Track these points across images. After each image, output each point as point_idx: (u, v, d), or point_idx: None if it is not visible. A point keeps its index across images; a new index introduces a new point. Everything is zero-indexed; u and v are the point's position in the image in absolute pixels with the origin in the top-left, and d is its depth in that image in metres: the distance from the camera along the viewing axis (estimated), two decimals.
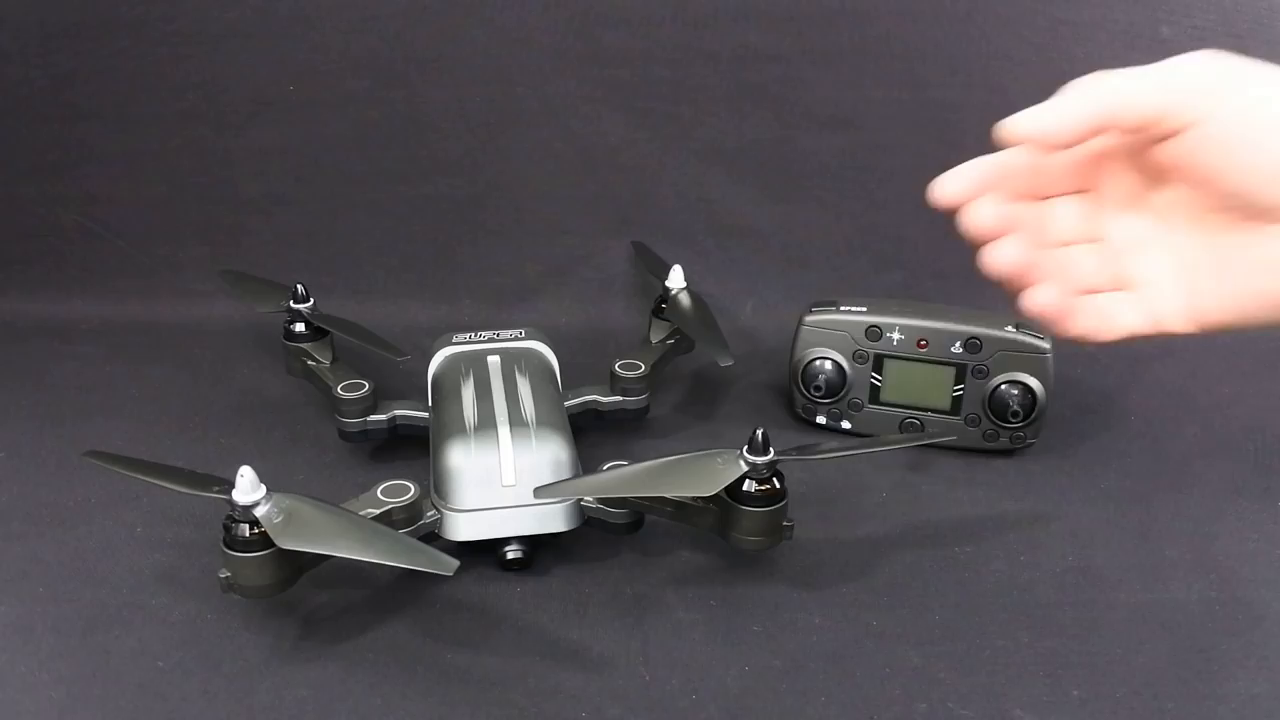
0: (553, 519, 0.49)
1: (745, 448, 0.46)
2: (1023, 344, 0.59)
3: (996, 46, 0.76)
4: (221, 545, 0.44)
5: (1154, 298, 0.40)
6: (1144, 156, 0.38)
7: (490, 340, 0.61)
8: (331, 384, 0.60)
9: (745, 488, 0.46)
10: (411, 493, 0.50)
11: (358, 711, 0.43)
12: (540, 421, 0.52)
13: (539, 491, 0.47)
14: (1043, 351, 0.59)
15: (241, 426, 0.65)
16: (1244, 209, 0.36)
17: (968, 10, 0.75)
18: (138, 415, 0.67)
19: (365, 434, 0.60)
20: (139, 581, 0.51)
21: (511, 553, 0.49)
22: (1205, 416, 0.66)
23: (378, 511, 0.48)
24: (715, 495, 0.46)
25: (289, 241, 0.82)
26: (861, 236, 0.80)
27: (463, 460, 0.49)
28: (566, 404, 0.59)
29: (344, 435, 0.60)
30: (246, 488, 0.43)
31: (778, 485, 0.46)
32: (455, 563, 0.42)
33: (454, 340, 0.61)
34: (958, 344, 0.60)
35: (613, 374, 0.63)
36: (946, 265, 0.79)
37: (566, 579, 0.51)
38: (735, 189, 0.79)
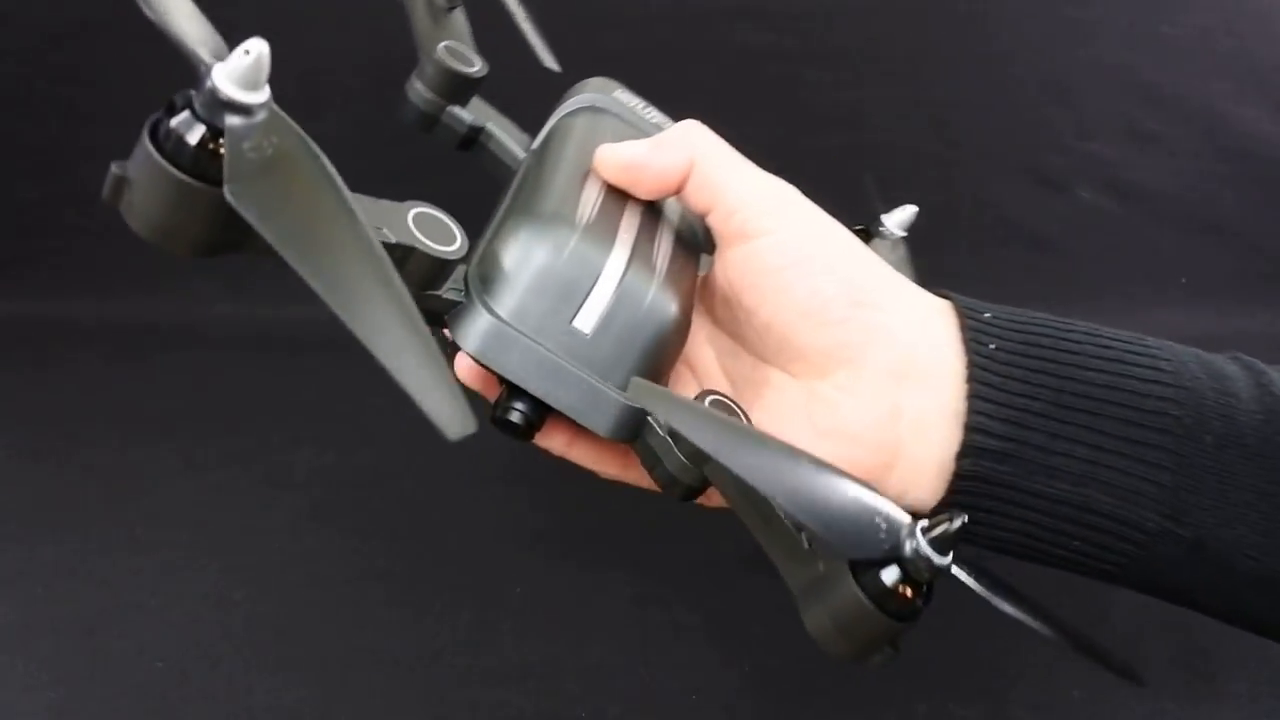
0: (603, 413, 0.32)
1: (924, 525, 0.28)
2: None
3: (996, 46, 0.76)
4: (144, 135, 0.25)
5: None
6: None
7: (646, 111, 0.44)
8: (429, 40, 0.43)
9: (885, 576, 0.28)
10: (457, 243, 0.31)
11: (357, 712, 0.43)
12: (669, 279, 0.33)
13: (635, 386, 0.31)
14: None
15: (242, 426, 0.65)
16: (774, 354, 0.34)
17: (968, 10, 0.75)
18: (137, 415, 0.67)
19: (427, 121, 0.43)
20: (139, 581, 0.51)
21: (515, 414, 0.32)
22: None
23: (395, 239, 0.30)
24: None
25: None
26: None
27: (547, 256, 0.32)
28: None
29: (403, 106, 0.43)
30: (243, 71, 0.25)
31: (920, 604, 0.30)
32: (471, 425, 0.24)
33: (615, 92, 0.43)
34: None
35: None
36: (947, 264, 0.79)
37: (567, 578, 0.51)
38: None
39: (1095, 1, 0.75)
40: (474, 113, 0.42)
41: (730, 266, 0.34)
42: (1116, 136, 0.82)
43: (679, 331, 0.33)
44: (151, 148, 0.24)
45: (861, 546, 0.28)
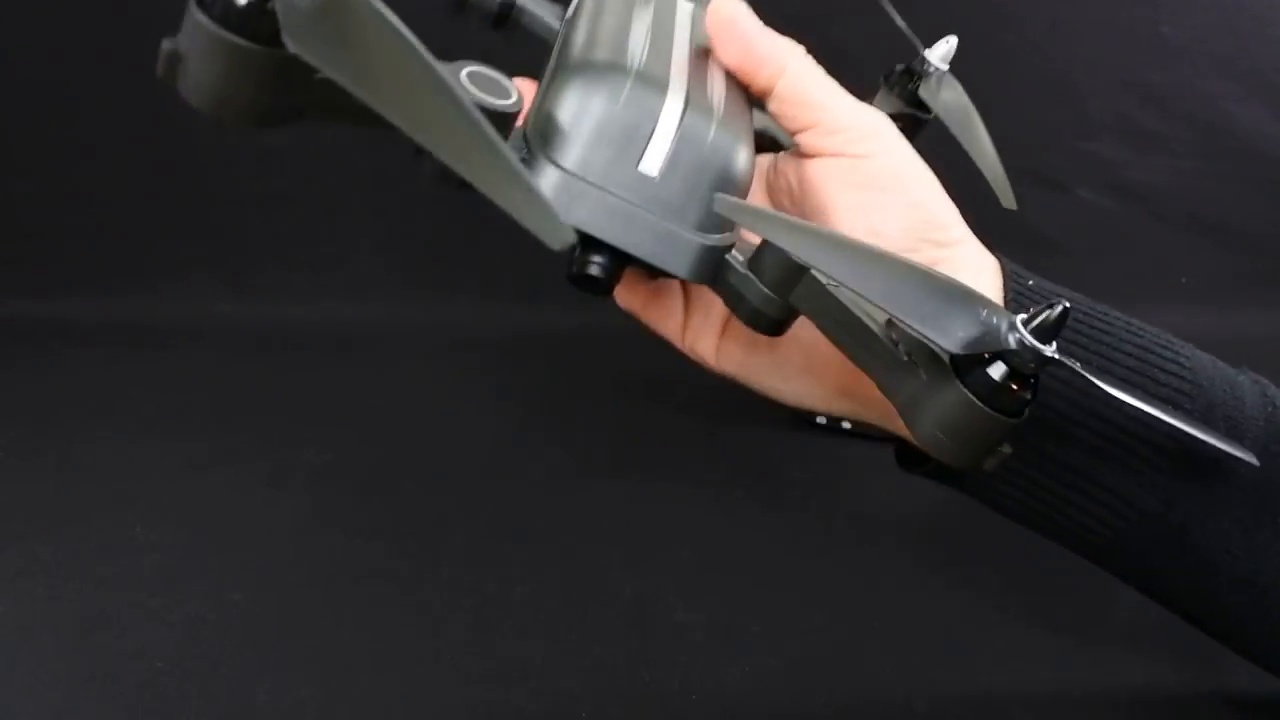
0: (680, 254, 0.31)
1: (1024, 318, 0.28)
2: None
3: (996, 46, 0.76)
4: (191, 3, 0.24)
5: (698, 318, 0.37)
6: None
7: None
8: None
9: (991, 372, 0.29)
10: (512, 98, 0.28)
11: (357, 712, 0.43)
12: (727, 117, 0.32)
13: (721, 201, 0.30)
14: None
15: (242, 427, 0.65)
16: None
17: (968, 10, 0.75)
18: (138, 415, 0.67)
19: (462, 3, 0.42)
20: (139, 581, 0.51)
21: (594, 267, 0.31)
22: None
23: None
24: (929, 351, 0.30)
25: (289, 241, 0.82)
26: None
27: (604, 102, 0.30)
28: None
29: None
30: None
31: (1028, 395, 0.29)
32: (571, 235, 0.22)
33: None
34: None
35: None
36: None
37: (567, 578, 0.51)
38: None
39: (1095, 1, 0.75)
40: None
41: (817, 175, 0.34)
42: (1116, 136, 0.82)
43: (745, 167, 0.32)
44: (201, 15, 0.24)
45: (968, 341, 0.28)
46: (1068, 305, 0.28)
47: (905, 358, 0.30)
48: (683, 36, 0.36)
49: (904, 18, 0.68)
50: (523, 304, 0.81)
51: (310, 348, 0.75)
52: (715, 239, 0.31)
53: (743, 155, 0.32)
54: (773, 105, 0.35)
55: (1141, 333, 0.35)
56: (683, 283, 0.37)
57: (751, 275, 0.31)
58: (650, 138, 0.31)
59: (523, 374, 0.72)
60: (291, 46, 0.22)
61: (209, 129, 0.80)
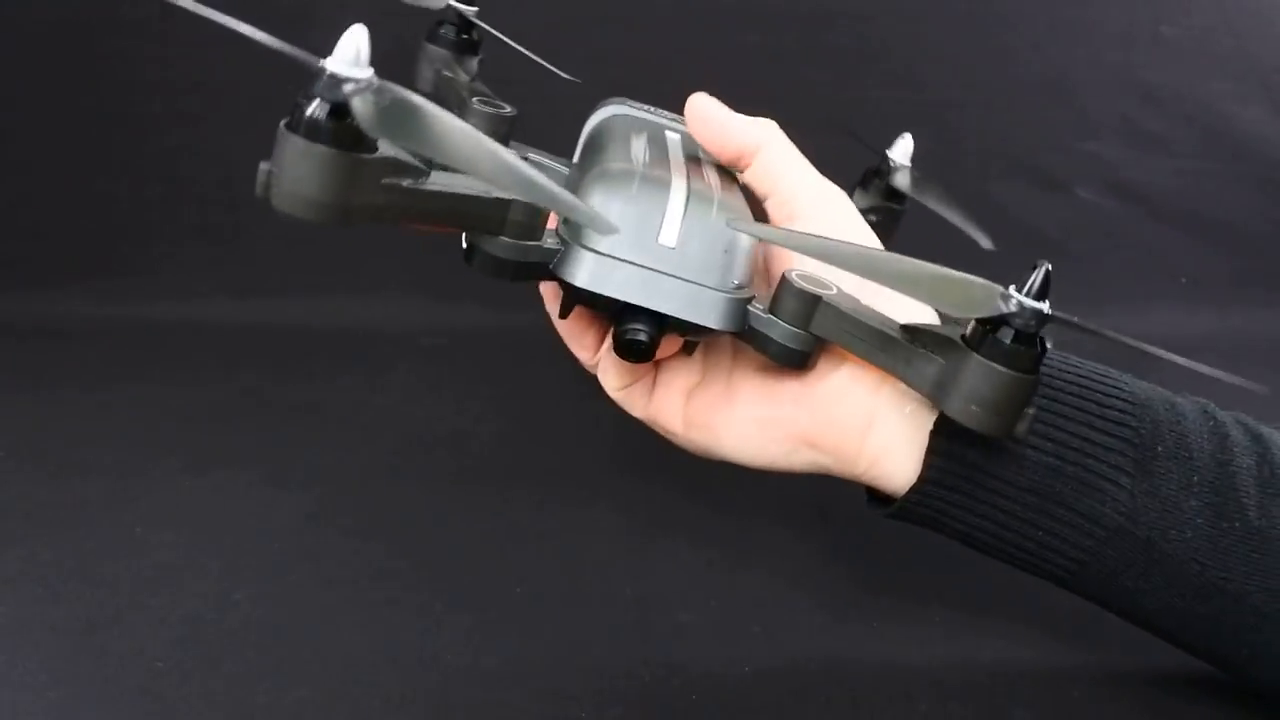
0: (708, 308, 0.35)
1: (1016, 286, 0.33)
2: None
3: (996, 46, 0.76)
4: (281, 131, 0.30)
5: (662, 389, 0.39)
6: None
7: (672, 120, 0.47)
8: (465, 96, 0.48)
9: (1000, 335, 0.33)
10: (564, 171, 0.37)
11: (357, 712, 0.43)
12: (725, 196, 0.38)
13: (733, 222, 0.35)
14: None
15: (243, 427, 0.65)
16: None
17: (967, 10, 0.75)
18: (138, 415, 0.67)
19: None
20: (139, 581, 0.51)
21: (633, 333, 0.35)
22: None
23: (493, 195, 0.34)
24: (943, 339, 0.33)
25: (289, 241, 0.82)
26: None
27: (621, 195, 0.36)
28: None
29: None
30: (350, 55, 0.29)
31: (1040, 349, 0.33)
32: (615, 225, 0.32)
33: (627, 102, 0.48)
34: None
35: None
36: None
37: (567, 578, 0.51)
38: None
39: (1095, 1, 0.75)
40: (515, 149, 0.47)
41: (767, 244, 0.38)
42: (1116, 136, 0.82)
43: (742, 221, 0.37)
44: (295, 135, 0.29)
45: (975, 306, 0.32)
46: (1049, 267, 0.32)
47: (923, 349, 0.34)
48: (676, 151, 0.42)
49: (905, 17, 0.68)
50: (523, 304, 0.81)
51: (310, 348, 0.75)
52: (737, 292, 0.35)
53: (744, 226, 0.36)
54: (746, 177, 0.39)
55: (1080, 365, 0.38)
56: (655, 362, 0.40)
57: (773, 317, 0.36)
58: (664, 215, 0.35)
59: (523, 374, 0.72)
60: (375, 133, 0.28)
61: (209, 129, 0.80)
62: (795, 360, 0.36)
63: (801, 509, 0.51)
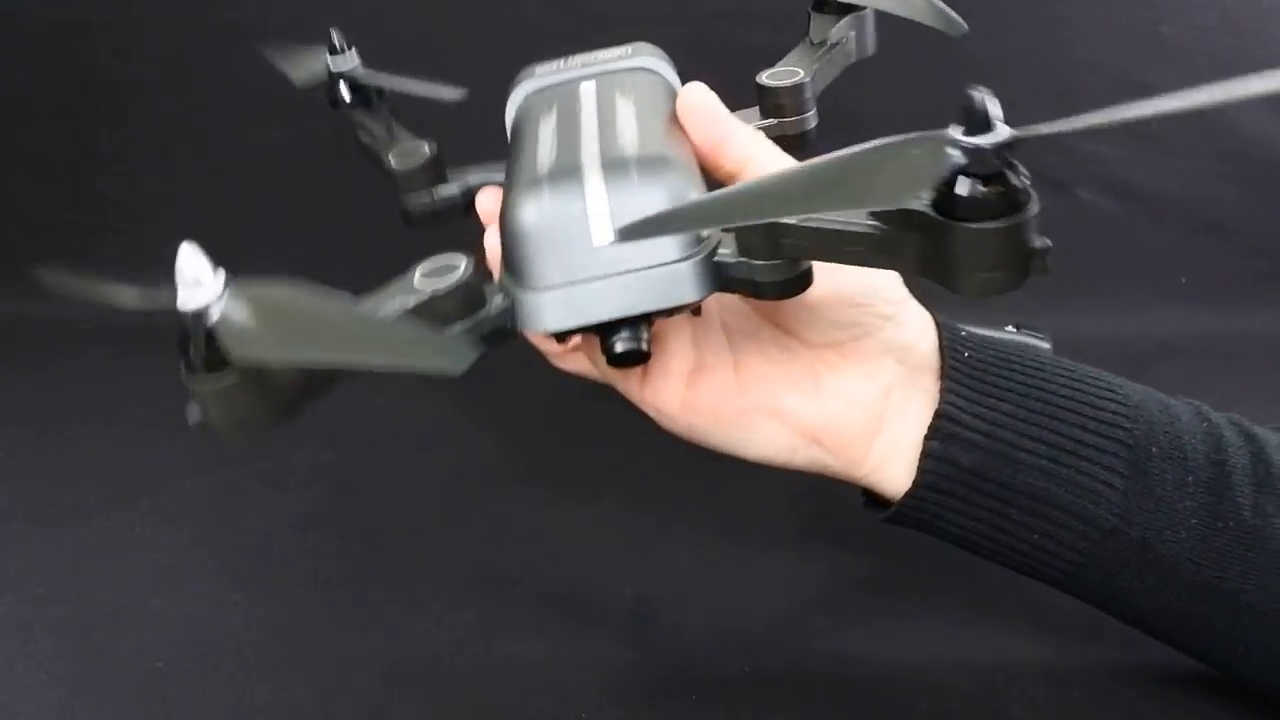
0: (676, 284, 0.32)
1: (952, 126, 0.28)
2: (1023, 344, 0.59)
3: (996, 46, 0.76)
4: (184, 371, 0.31)
5: (658, 370, 0.38)
6: None
7: (584, 66, 0.44)
8: (384, 155, 0.47)
9: (961, 191, 0.28)
10: (461, 270, 0.34)
11: (357, 712, 0.43)
12: (647, 157, 0.34)
13: (624, 231, 0.30)
14: (1042, 352, 0.59)
15: None
16: (790, 318, 0.37)
17: (968, 10, 0.75)
18: (138, 415, 0.67)
19: (434, 215, 0.46)
20: (139, 581, 0.51)
21: (621, 343, 0.33)
22: None
23: (415, 302, 0.34)
24: (913, 213, 0.29)
25: (289, 241, 0.82)
26: None
27: (534, 216, 0.33)
28: None
29: (409, 220, 0.46)
30: (191, 280, 0.30)
31: (1016, 183, 0.28)
32: (470, 356, 0.30)
33: (535, 73, 0.44)
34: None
35: (760, 88, 0.45)
36: None
37: (566, 578, 0.51)
38: None
39: (1094, 1, 0.75)
40: (456, 180, 0.46)
41: None
42: (1116, 136, 0.82)
43: (682, 169, 0.34)
44: (189, 374, 0.31)
45: (925, 174, 0.28)
46: (983, 91, 0.29)
47: (899, 230, 0.30)
48: (589, 114, 0.38)
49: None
50: None
51: None
52: (698, 250, 0.32)
53: (673, 160, 0.34)
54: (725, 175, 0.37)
55: (1073, 369, 0.37)
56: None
57: (745, 259, 0.32)
58: (588, 215, 0.32)
59: (524, 374, 0.72)
60: (237, 355, 0.28)
61: (209, 129, 0.80)
62: (792, 289, 0.33)
63: (802, 509, 0.51)
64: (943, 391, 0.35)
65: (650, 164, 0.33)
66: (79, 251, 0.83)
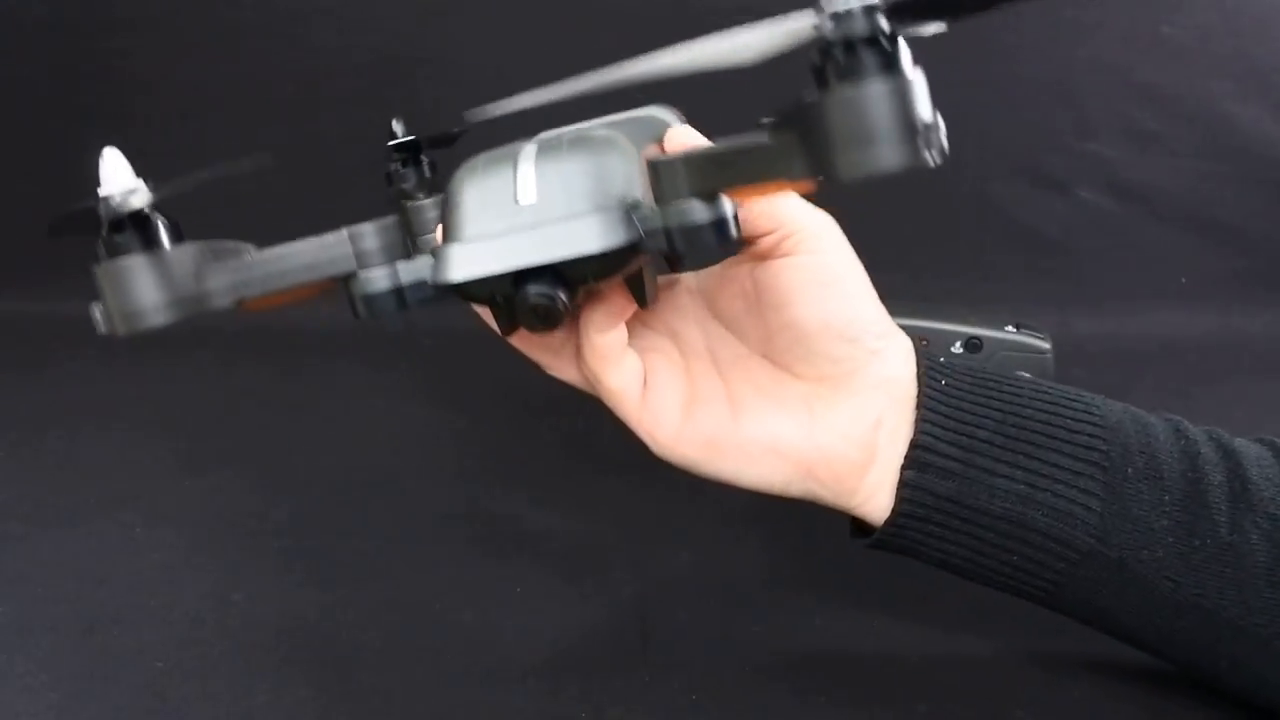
0: (587, 233, 0.31)
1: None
2: (1023, 344, 0.59)
3: (996, 46, 0.76)
4: (95, 269, 0.34)
5: (655, 394, 0.38)
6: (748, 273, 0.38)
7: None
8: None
9: (842, 53, 0.27)
10: (383, 220, 0.36)
11: (357, 712, 0.43)
12: (584, 133, 0.35)
13: (470, 113, 0.31)
14: (1043, 352, 0.59)
15: (241, 427, 0.65)
16: (782, 352, 0.37)
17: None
18: (138, 415, 0.67)
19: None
20: (139, 581, 0.51)
21: (533, 296, 0.32)
22: (1206, 416, 0.66)
23: (338, 234, 0.36)
24: (802, 103, 0.28)
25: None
26: (862, 236, 0.80)
27: (466, 180, 0.34)
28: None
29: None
30: (113, 175, 0.34)
31: (884, 44, 0.27)
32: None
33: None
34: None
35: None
36: (946, 265, 0.78)
37: (567, 579, 0.51)
38: None
39: (1095, 1, 0.75)
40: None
41: (776, 274, 0.37)
42: (1116, 136, 0.82)
43: (616, 146, 0.33)
44: (102, 263, 0.34)
45: (797, 34, 0.27)
46: None
47: (769, 140, 0.29)
48: (546, 135, 0.38)
49: None
50: None
51: (310, 348, 0.75)
52: (620, 205, 0.32)
53: (614, 146, 0.33)
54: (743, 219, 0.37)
55: (1051, 390, 0.38)
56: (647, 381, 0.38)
57: (659, 208, 0.31)
58: (516, 176, 0.32)
59: (522, 374, 0.72)
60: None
61: (209, 129, 0.80)
62: (721, 237, 0.31)
63: (802, 509, 0.51)
64: (918, 421, 0.36)
65: (582, 138, 0.34)
66: (79, 251, 0.83)
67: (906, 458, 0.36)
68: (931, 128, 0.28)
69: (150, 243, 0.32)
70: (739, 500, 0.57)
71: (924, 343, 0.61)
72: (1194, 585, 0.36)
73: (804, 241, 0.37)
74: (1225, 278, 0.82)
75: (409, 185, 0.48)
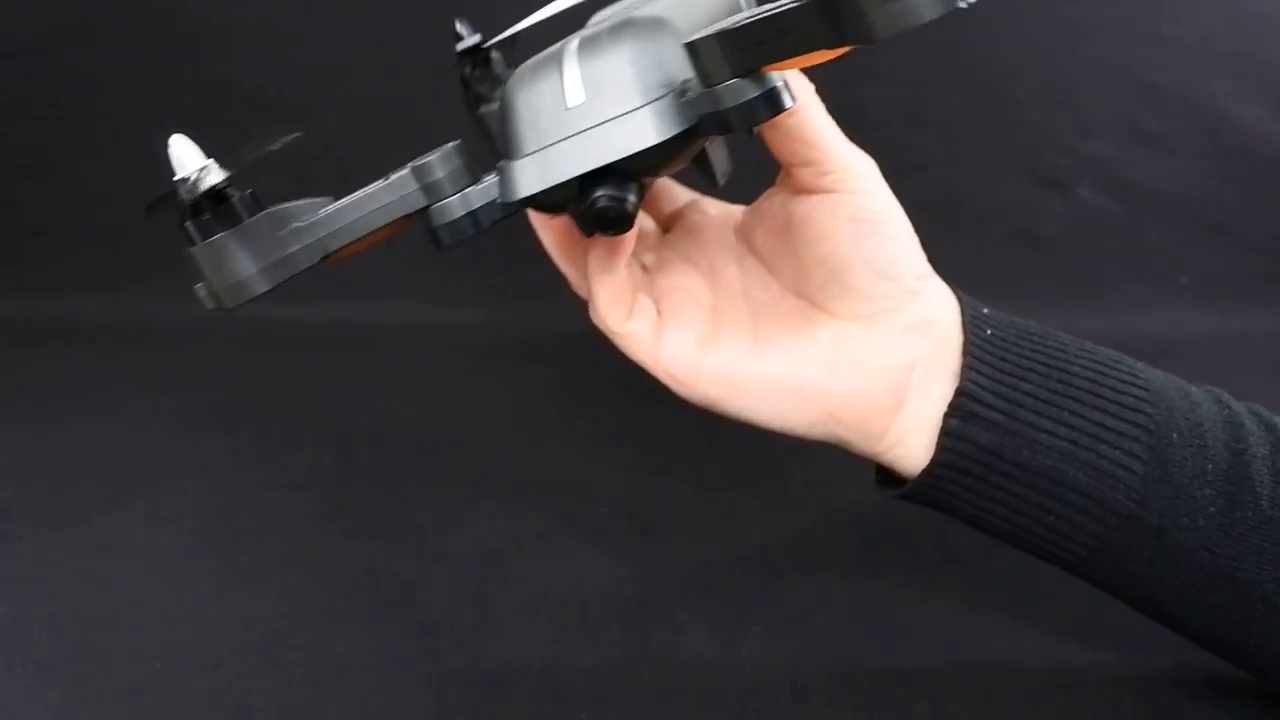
0: (639, 129, 0.31)
1: None
2: None
3: (996, 46, 0.76)
4: (189, 251, 0.34)
5: (672, 332, 0.37)
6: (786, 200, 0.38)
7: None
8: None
9: None
10: (447, 148, 0.35)
11: (357, 712, 0.43)
12: (620, 21, 0.34)
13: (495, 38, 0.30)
14: None
15: (241, 427, 0.65)
16: (816, 289, 0.36)
17: (967, 10, 0.75)
18: (137, 415, 0.67)
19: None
20: (139, 581, 0.51)
21: (603, 199, 0.32)
22: None
23: (398, 174, 0.35)
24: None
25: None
26: None
27: (516, 92, 0.34)
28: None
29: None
30: (185, 158, 0.35)
31: None
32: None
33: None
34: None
35: None
36: (947, 264, 0.78)
37: (567, 579, 0.51)
38: (737, 190, 0.79)
39: (1095, 1, 0.75)
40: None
41: (812, 209, 0.36)
42: (1116, 136, 0.82)
43: (650, 27, 0.33)
44: (197, 245, 0.34)
45: None
46: None
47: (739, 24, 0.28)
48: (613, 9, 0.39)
49: None
50: (522, 305, 0.81)
51: (310, 348, 0.75)
52: (664, 93, 0.31)
53: (653, 32, 0.33)
54: (773, 136, 0.36)
55: (1095, 351, 0.37)
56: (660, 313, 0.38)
57: (708, 90, 0.30)
58: (563, 80, 0.32)
59: (522, 374, 0.72)
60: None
61: (209, 129, 0.80)
62: (758, 112, 0.30)
63: (801, 509, 0.51)
64: (964, 369, 0.35)
65: (624, 24, 0.33)
66: (79, 251, 0.83)
67: (951, 405, 0.35)
68: None
69: (232, 217, 0.33)
70: (739, 501, 0.57)
71: None
72: (1231, 557, 0.35)
73: (846, 181, 0.36)
74: (1225, 278, 0.82)
75: (484, 89, 0.47)
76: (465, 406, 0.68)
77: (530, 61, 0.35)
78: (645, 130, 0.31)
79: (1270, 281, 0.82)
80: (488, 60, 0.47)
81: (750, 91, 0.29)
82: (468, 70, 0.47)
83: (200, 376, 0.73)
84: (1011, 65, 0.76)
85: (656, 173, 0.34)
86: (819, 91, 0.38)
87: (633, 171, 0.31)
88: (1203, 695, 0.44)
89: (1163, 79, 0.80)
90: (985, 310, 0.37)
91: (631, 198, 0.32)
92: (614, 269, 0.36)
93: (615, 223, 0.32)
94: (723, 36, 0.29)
